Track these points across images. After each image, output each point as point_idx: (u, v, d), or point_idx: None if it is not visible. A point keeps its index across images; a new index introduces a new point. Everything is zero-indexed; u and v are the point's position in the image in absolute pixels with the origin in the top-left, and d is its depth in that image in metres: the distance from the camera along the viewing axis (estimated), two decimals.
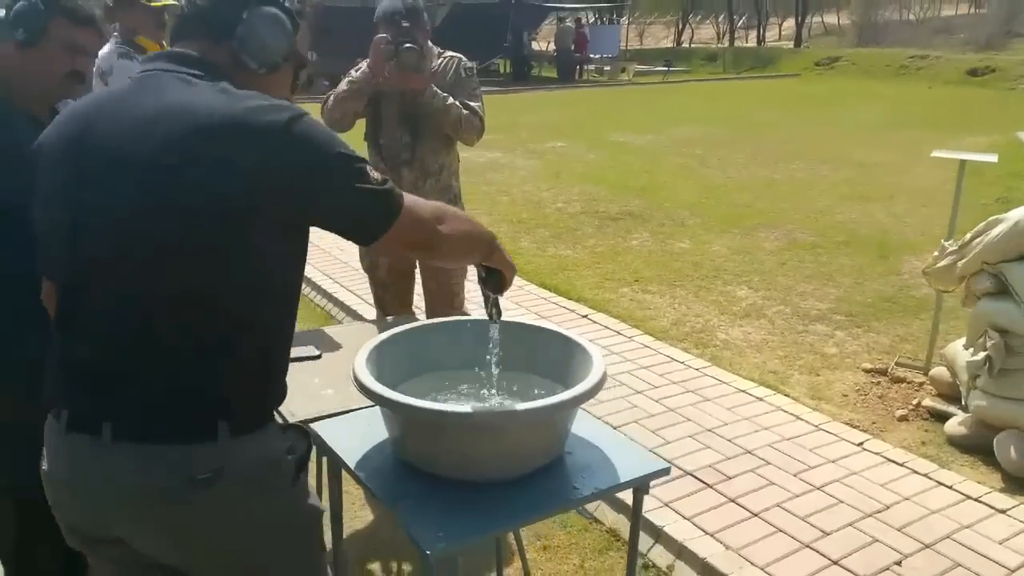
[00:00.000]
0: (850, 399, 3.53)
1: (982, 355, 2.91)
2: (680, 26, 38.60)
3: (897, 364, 3.76)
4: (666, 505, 2.68)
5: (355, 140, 1.79)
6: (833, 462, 2.94)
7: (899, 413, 3.35)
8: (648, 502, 2.66)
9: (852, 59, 22.68)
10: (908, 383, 3.61)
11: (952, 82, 19.42)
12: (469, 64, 2.97)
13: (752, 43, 35.63)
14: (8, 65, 1.79)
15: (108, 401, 1.18)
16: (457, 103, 2.83)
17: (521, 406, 1.51)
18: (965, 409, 3.12)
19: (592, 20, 32.05)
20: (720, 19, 40.07)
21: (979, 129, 11.22)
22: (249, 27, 1.25)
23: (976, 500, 2.70)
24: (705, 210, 7.05)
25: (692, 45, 35.47)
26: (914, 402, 3.41)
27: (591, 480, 1.62)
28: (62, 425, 1.21)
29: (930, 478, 2.83)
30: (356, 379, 1.54)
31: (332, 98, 2.84)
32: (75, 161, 1.19)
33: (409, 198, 1.24)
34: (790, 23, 38.71)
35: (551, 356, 1.77)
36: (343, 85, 2.83)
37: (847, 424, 3.25)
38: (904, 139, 10.65)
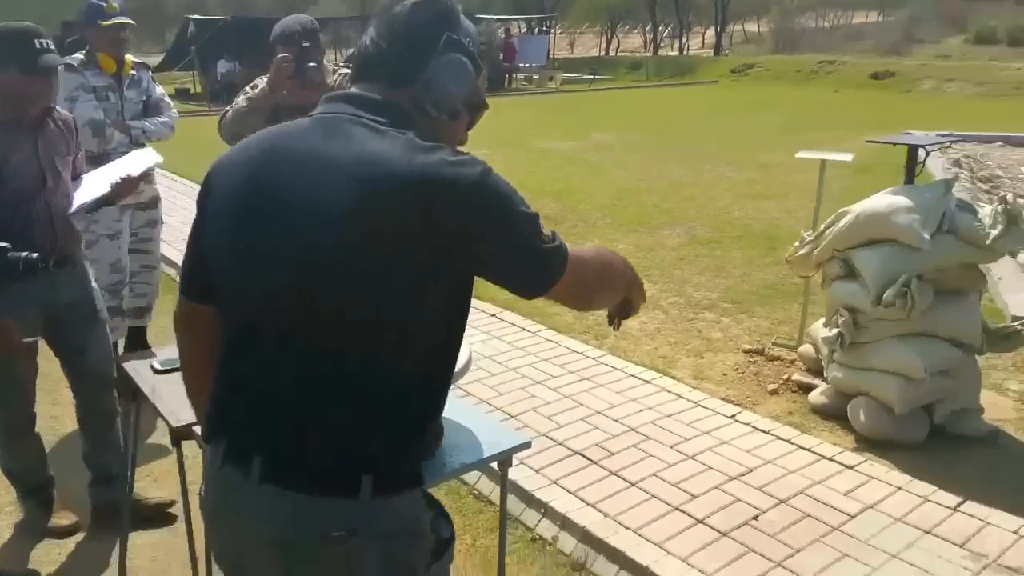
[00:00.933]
0: (729, 377, 3.85)
1: (835, 331, 3.25)
2: (608, 36, 39.52)
3: (773, 344, 4.11)
4: (554, 483, 2.91)
5: None
6: (707, 433, 3.23)
7: (771, 387, 3.68)
8: (537, 480, 2.92)
9: (766, 66, 23.67)
10: (781, 360, 3.95)
11: (857, 85, 20.47)
12: None
13: (676, 52, 36.72)
14: None
15: (261, 438, 1.16)
16: None
17: None
18: (826, 381, 3.46)
19: (523, 30, 32.61)
20: (647, 29, 41.14)
21: (871, 130, 11.89)
22: (434, 74, 1.19)
23: (829, 459, 3.02)
24: (616, 211, 7.39)
25: (618, 54, 36.31)
26: (784, 377, 3.74)
27: (459, 456, 1.83)
28: (218, 457, 1.21)
29: (791, 443, 3.15)
30: None
31: (231, 113, 2.96)
32: (255, 198, 1.15)
33: (573, 255, 1.18)
34: (711, 32, 39.96)
35: None
36: (241, 101, 2.96)
37: (723, 400, 3.56)
38: (805, 141, 11.15)
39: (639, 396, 3.58)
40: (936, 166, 9.08)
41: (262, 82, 2.94)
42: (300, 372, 1.14)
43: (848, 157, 3.87)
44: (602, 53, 37.06)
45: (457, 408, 2.00)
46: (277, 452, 1.15)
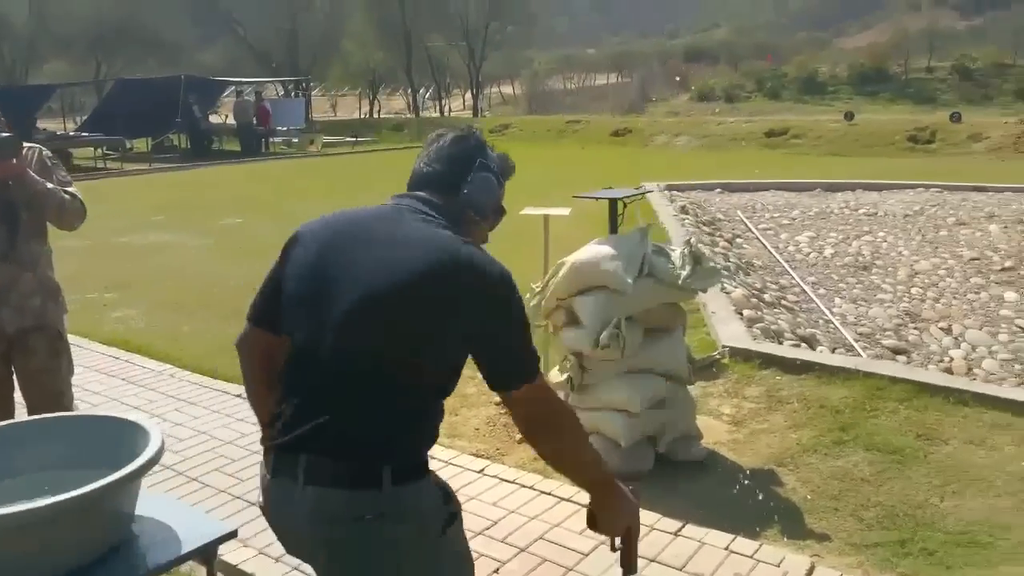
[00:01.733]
0: (480, 431, 3.94)
1: (566, 376, 3.44)
2: (371, 97, 39.95)
3: (556, 388, 4.26)
4: (260, 552, 2.78)
5: None
6: (456, 492, 3.26)
7: (518, 436, 3.80)
8: (246, 552, 2.76)
9: (520, 126, 25.15)
10: None
11: (599, 142, 22.35)
12: (49, 152, 2.95)
13: (437, 113, 37.95)
14: None
15: (306, 441, 1.46)
16: (56, 188, 2.79)
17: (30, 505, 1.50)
18: None
19: (280, 93, 32.05)
20: (408, 91, 42.16)
21: (615, 181, 12.99)
22: (472, 188, 1.62)
23: (567, 500, 3.17)
24: None
25: (381, 116, 36.81)
26: None
27: (155, 555, 1.69)
28: (269, 468, 1.53)
29: (534, 488, 3.27)
30: None
31: None
32: (333, 254, 1.53)
33: (547, 381, 1.60)
34: (470, 94, 41.78)
35: (111, 444, 1.80)
36: None
37: (474, 455, 3.62)
38: (557, 195, 12.02)
39: None
40: (666, 213, 10.09)
41: None
42: (342, 390, 1.47)
43: (566, 212, 4.17)
44: (365, 115, 37.43)
45: (157, 503, 1.85)
46: (318, 454, 1.46)
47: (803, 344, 7.15)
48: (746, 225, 10.82)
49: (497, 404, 4.22)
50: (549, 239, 4.16)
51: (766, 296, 7.88)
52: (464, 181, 1.61)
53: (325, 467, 1.45)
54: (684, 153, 20.45)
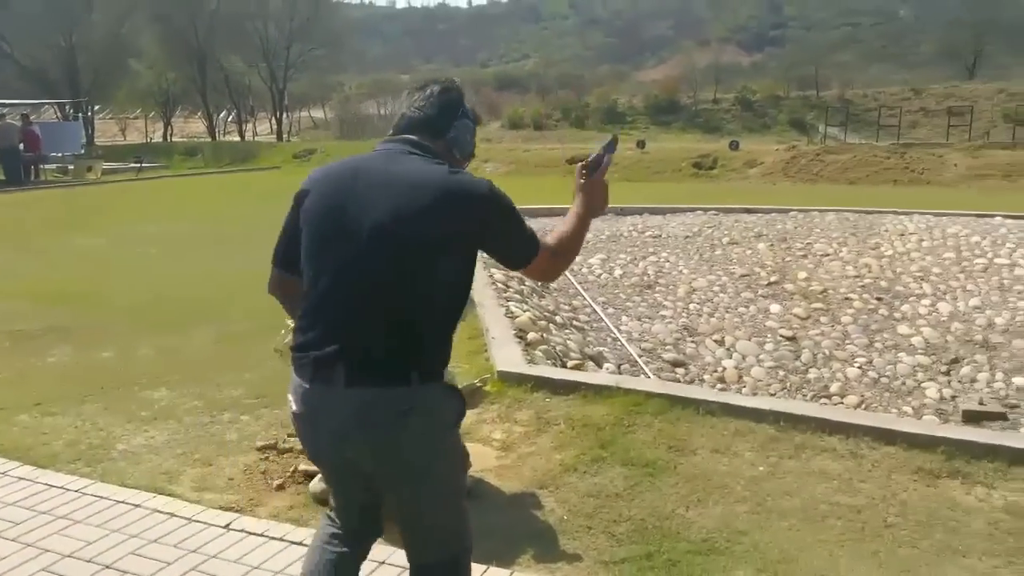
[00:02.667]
0: (235, 481, 3.65)
1: None
2: (165, 120, 37.48)
3: (289, 435, 4.02)
4: None
5: None
6: (195, 551, 2.97)
7: (276, 483, 3.56)
8: None
9: (327, 151, 24.56)
10: (293, 451, 3.88)
11: None
12: None
13: (239, 137, 36.30)
14: None
15: (344, 352, 1.78)
16: None
17: None
18: None
19: (57, 116, 29.28)
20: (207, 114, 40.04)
21: None
22: (457, 131, 1.96)
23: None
24: (143, 312, 6.79)
25: (174, 139, 34.65)
26: (291, 469, 3.66)
27: None
28: (307, 377, 1.83)
29: (284, 540, 3.05)
30: None
31: None
32: (343, 197, 1.85)
33: (543, 244, 1.95)
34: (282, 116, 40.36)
35: None
36: None
37: (223, 508, 3.34)
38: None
39: (123, 525, 3.18)
40: None
41: None
42: (371, 308, 1.78)
43: None
44: (159, 139, 35.09)
45: None
46: (355, 362, 1.77)
47: (590, 362, 7.40)
48: None
49: (260, 449, 3.95)
50: None
51: (557, 318, 8.10)
52: (451, 126, 1.95)
53: (364, 371, 1.77)
54: (493, 178, 20.83)
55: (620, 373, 7.57)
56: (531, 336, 6.13)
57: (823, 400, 7.95)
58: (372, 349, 1.77)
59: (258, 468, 3.76)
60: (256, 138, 36.99)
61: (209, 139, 33.72)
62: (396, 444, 1.80)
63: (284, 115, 38.47)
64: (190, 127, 42.83)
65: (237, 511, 3.31)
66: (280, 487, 3.54)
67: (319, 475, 3.44)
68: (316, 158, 24.53)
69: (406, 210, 1.76)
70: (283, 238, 1.98)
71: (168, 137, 36.16)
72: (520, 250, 1.91)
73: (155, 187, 18.69)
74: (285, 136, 37.06)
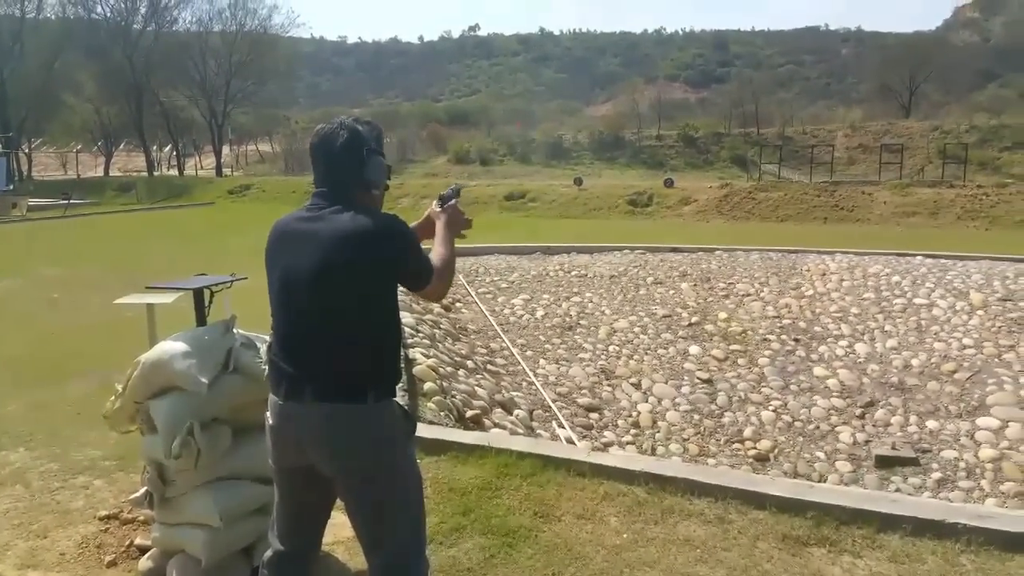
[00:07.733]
0: (67, 556, 3.38)
1: (143, 490, 3.03)
2: (106, 155, 36.63)
3: (133, 504, 3.75)
4: None
5: None
6: None
7: (108, 559, 3.31)
8: None
9: (262, 187, 24.26)
10: (137, 522, 3.62)
11: None
12: None
13: (177, 172, 35.66)
14: None
15: (309, 375, 2.17)
16: None
17: None
18: None
19: None
20: (153, 148, 39.32)
21: None
22: (368, 169, 2.25)
23: None
24: (24, 364, 6.44)
25: (112, 174, 33.85)
26: (127, 543, 3.41)
27: None
28: (281, 396, 2.21)
29: None
30: None
31: None
32: (285, 245, 2.27)
33: (435, 269, 2.29)
34: (226, 150, 39.84)
35: None
36: None
37: None
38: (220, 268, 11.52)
39: None
40: None
41: None
42: (327, 340, 2.18)
43: (170, 299, 3.81)
44: (103, 173, 34.22)
45: None
46: (320, 382, 2.17)
47: (499, 408, 7.24)
48: (467, 289, 11.01)
49: (102, 519, 3.69)
50: (156, 331, 3.75)
51: (469, 362, 7.94)
52: (363, 168, 2.22)
53: (327, 390, 2.14)
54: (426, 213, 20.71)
55: (532, 419, 7.43)
56: (428, 386, 5.96)
57: (735, 445, 7.92)
58: (332, 373, 2.15)
59: (94, 541, 3.49)
60: (200, 172, 36.41)
61: (146, 174, 33.01)
62: (354, 450, 2.16)
63: (227, 149, 37.94)
64: (133, 161, 42.00)
65: None
66: (112, 563, 3.29)
67: (150, 552, 3.21)
68: (251, 194, 24.18)
69: (335, 257, 2.13)
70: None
71: (108, 172, 35.32)
72: (424, 273, 2.25)
73: (81, 224, 18.13)
74: (231, 170, 36.52)
